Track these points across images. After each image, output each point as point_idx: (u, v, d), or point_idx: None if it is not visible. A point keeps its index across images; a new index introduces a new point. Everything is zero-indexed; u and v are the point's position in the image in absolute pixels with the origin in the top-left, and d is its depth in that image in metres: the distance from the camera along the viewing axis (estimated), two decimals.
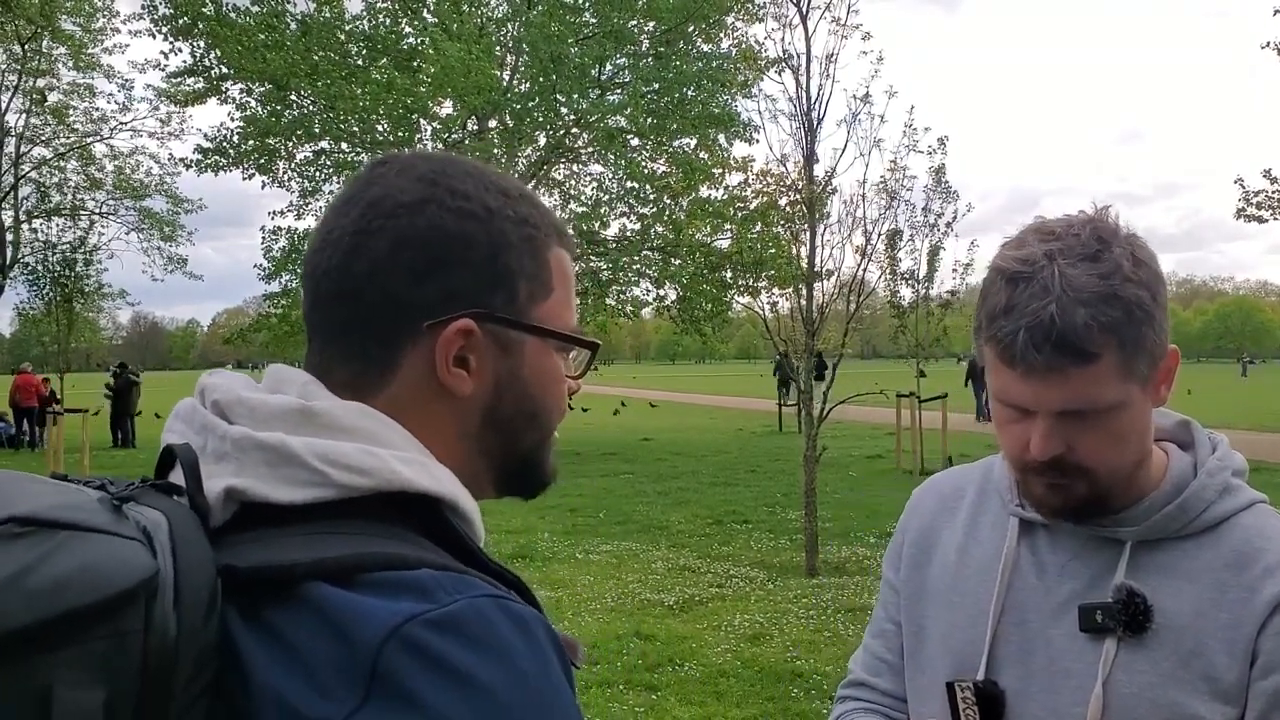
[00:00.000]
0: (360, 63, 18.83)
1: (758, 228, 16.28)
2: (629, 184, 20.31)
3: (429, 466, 0.75)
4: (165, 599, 0.62)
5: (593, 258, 20.95)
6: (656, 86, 18.58)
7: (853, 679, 1.41)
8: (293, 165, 20.29)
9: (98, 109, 27.27)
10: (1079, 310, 1.04)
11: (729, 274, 18.89)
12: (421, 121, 19.22)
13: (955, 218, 12.98)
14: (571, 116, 19.50)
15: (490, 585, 0.69)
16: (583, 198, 21.89)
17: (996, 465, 1.32)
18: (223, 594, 0.66)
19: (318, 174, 20.67)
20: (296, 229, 19.98)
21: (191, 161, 19.75)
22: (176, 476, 0.73)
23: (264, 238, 19.58)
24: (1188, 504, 1.17)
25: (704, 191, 19.45)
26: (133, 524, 0.64)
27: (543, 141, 20.64)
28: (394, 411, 0.77)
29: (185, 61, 19.19)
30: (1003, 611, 1.22)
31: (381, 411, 0.76)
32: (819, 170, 8.90)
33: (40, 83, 26.06)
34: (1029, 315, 1.05)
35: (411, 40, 19.29)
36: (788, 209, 9.51)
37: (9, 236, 26.29)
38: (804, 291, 8.71)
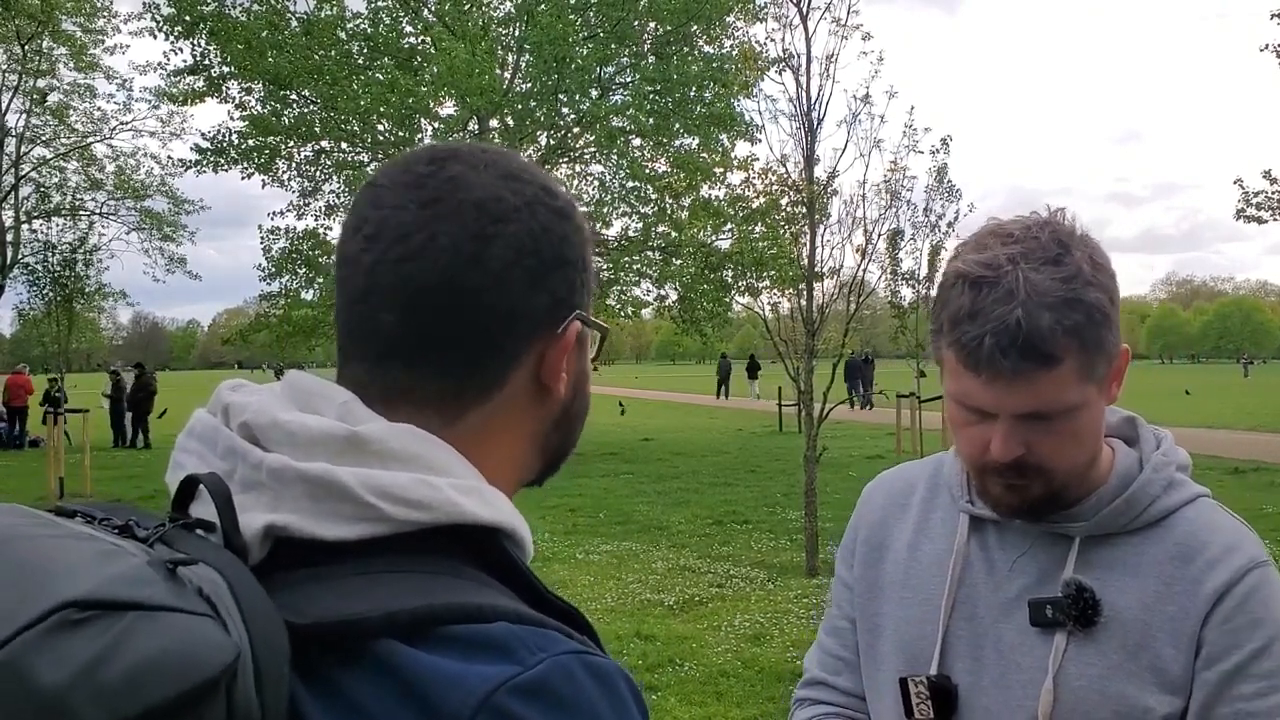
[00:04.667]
0: (361, 62, 18.83)
1: (759, 227, 16.29)
2: (630, 184, 20.33)
3: (484, 493, 0.70)
4: (246, 681, 0.56)
5: (594, 258, 20.92)
6: (659, 86, 18.58)
7: (810, 678, 1.40)
8: (293, 165, 20.30)
9: (98, 109, 27.31)
10: (1044, 314, 1.04)
11: (729, 274, 18.90)
12: (423, 121, 19.23)
13: (957, 217, 13.01)
14: (573, 116, 19.50)
15: (567, 637, 0.65)
16: (584, 197, 21.90)
17: (946, 461, 1.32)
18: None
19: (318, 174, 20.69)
20: (296, 229, 20.04)
21: (191, 162, 19.75)
22: (198, 505, 0.67)
23: (263, 238, 19.63)
24: (1134, 499, 1.18)
25: (705, 191, 19.48)
26: (193, 592, 0.57)
27: (544, 141, 20.65)
28: (488, 422, 0.74)
29: (186, 61, 19.20)
30: (954, 607, 1.23)
31: (475, 424, 0.73)
32: (819, 170, 8.92)
33: (40, 83, 26.06)
34: (994, 320, 1.05)
35: (412, 40, 19.29)
36: (789, 209, 9.52)
37: (9, 236, 26.28)
38: (804, 291, 8.71)
